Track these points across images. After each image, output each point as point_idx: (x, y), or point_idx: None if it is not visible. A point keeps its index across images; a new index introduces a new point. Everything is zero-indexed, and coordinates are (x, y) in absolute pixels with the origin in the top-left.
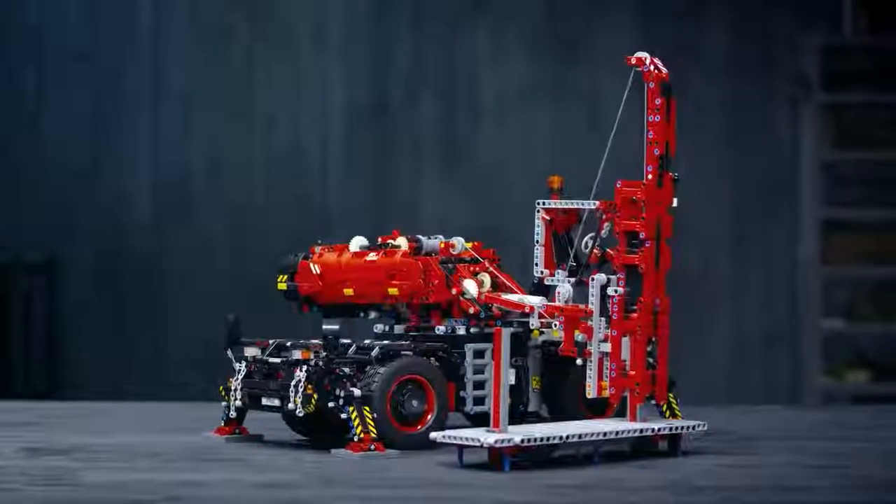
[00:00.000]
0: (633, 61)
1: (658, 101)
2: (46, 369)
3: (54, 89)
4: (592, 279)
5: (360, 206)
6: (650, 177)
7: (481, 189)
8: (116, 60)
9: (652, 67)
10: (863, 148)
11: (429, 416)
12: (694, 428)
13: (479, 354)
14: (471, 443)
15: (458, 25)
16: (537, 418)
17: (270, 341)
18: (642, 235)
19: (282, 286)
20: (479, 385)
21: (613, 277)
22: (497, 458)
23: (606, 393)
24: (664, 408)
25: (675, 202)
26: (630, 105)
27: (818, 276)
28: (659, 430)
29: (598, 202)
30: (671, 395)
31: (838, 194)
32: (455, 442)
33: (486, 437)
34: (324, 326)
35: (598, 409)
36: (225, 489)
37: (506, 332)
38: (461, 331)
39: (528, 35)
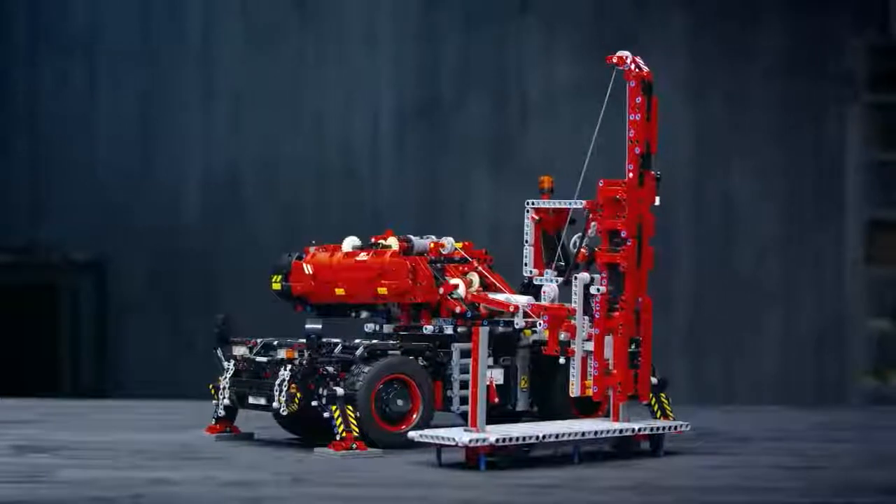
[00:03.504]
0: (615, 60)
1: (638, 100)
2: (94, 368)
3: (105, 89)
4: (576, 278)
5: (409, 204)
6: (631, 175)
7: (529, 187)
8: (167, 60)
9: (633, 66)
10: None
11: (414, 416)
12: (676, 429)
13: (465, 354)
14: (447, 442)
15: (506, 25)
16: (530, 417)
17: (258, 340)
18: (624, 234)
19: (276, 286)
20: (465, 384)
21: (597, 276)
22: (473, 458)
23: (590, 392)
24: (655, 408)
25: (657, 201)
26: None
27: (864, 277)
28: (639, 430)
29: (584, 202)
30: (663, 395)
31: (885, 194)
32: (432, 441)
33: (461, 436)
34: (306, 326)
35: (588, 408)
36: (191, 487)
37: (483, 332)
38: (449, 330)
39: (576, 34)
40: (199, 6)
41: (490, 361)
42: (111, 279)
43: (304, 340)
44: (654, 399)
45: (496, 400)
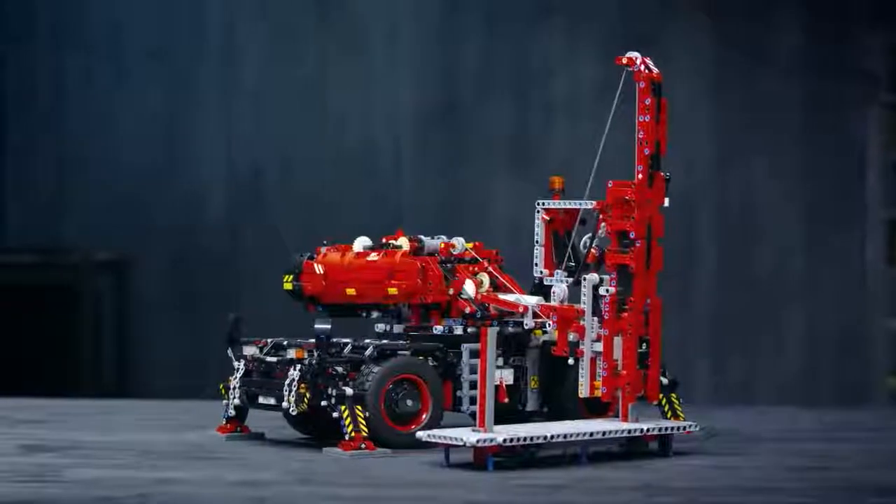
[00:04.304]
0: (624, 61)
1: (648, 101)
2: (116, 368)
3: (129, 88)
4: (584, 279)
5: (430, 205)
6: (640, 176)
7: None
8: (190, 59)
9: (642, 67)
10: None
11: (424, 416)
12: (685, 429)
13: (475, 354)
14: (455, 442)
15: (529, 25)
16: (541, 418)
17: (268, 340)
18: (633, 235)
19: (287, 286)
20: (475, 385)
21: (606, 277)
22: (481, 458)
23: (599, 392)
24: (665, 408)
25: (666, 202)
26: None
27: (886, 277)
28: (648, 430)
29: (594, 202)
30: (674, 395)
31: None
32: (440, 441)
33: (469, 436)
34: (315, 326)
35: (599, 408)
36: (197, 487)
37: (492, 332)
38: (459, 330)
39: (599, 35)
40: (221, 5)
41: (500, 362)
42: (133, 279)
43: (313, 340)
44: (664, 399)
45: (506, 400)
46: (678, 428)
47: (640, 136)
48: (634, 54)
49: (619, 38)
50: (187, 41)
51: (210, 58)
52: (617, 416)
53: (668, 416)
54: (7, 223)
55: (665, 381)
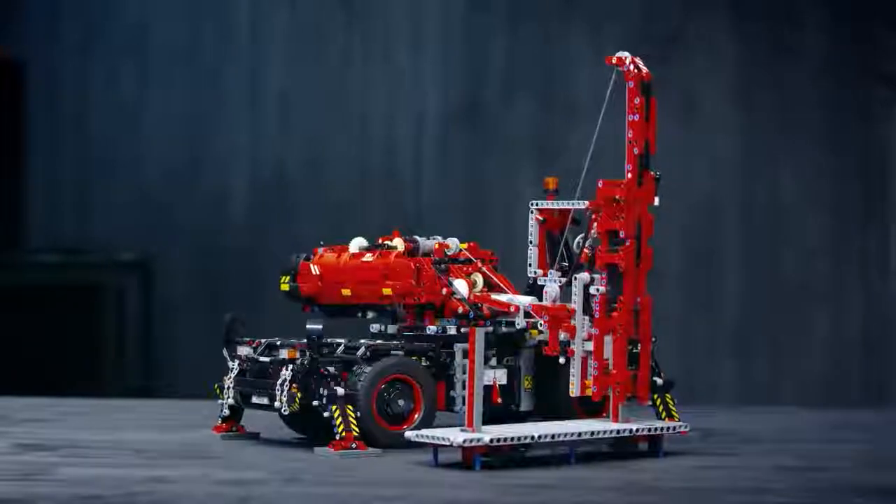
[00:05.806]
0: (614, 61)
1: (637, 101)
2: (140, 368)
3: (154, 89)
4: (576, 278)
5: (453, 205)
6: (630, 176)
7: (575, 189)
8: (215, 59)
9: (632, 67)
10: None
11: (416, 416)
12: (678, 429)
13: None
14: (442, 442)
15: (552, 25)
16: (536, 418)
17: (262, 340)
18: (622, 234)
19: (284, 287)
20: None
21: (597, 276)
22: (469, 458)
23: (590, 392)
24: (660, 408)
25: (656, 201)
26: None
27: None
28: (637, 430)
29: (587, 202)
30: (668, 395)
31: None
32: (428, 441)
33: (456, 436)
34: (307, 326)
35: (592, 408)
36: (185, 486)
37: (480, 332)
38: (452, 331)
39: (622, 34)
40: (247, 5)
41: (493, 362)
42: (157, 278)
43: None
44: (658, 399)
45: (498, 400)
46: (669, 428)
47: (630, 136)
48: (624, 54)
49: (640, 37)
50: (212, 42)
51: (235, 58)
52: (609, 417)
53: (663, 416)
54: (32, 223)
55: (660, 381)
